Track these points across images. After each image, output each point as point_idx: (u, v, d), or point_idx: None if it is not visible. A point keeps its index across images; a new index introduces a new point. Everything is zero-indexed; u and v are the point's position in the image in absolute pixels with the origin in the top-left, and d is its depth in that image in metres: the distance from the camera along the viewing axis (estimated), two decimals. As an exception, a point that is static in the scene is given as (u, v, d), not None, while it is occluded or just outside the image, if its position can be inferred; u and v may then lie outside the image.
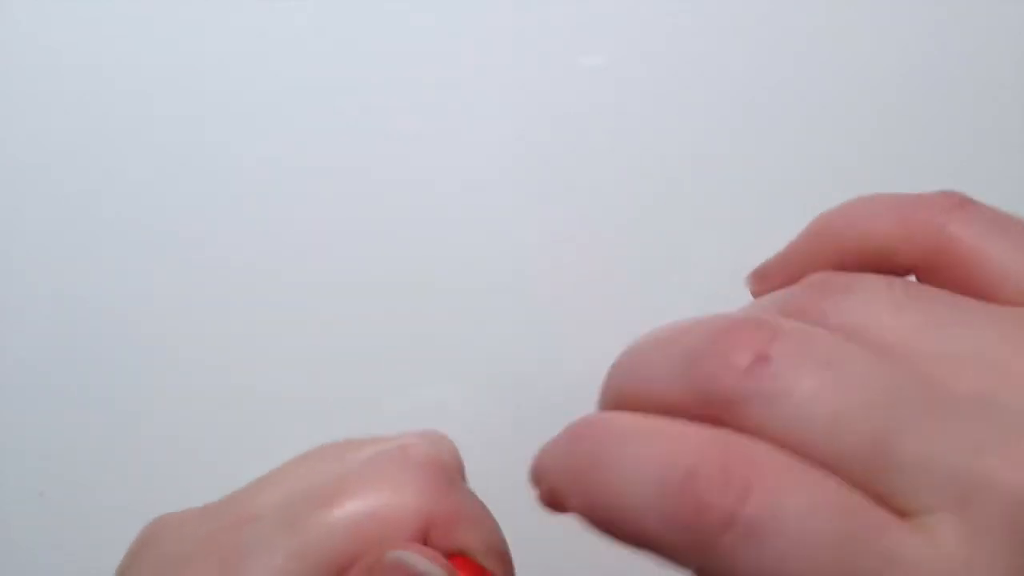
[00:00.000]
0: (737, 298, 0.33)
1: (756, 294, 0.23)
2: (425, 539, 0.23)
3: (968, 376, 0.18)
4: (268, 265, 0.34)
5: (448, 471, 0.24)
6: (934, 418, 0.17)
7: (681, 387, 0.19)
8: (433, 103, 0.34)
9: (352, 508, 0.22)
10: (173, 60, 0.34)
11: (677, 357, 0.20)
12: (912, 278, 0.21)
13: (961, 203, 0.20)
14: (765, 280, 0.24)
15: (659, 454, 0.18)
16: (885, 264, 0.21)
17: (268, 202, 0.34)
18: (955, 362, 0.18)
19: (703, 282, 0.34)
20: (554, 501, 0.20)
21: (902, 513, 0.17)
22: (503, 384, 0.33)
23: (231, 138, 0.34)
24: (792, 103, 0.33)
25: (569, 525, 0.29)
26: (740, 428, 0.18)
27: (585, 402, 0.34)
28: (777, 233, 0.33)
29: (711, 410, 0.19)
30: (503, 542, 0.25)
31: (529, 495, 0.33)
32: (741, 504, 0.17)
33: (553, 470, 0.20)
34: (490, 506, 0.34)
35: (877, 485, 0.17)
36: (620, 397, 0.21)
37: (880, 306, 0.19)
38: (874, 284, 0.20)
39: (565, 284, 0.34)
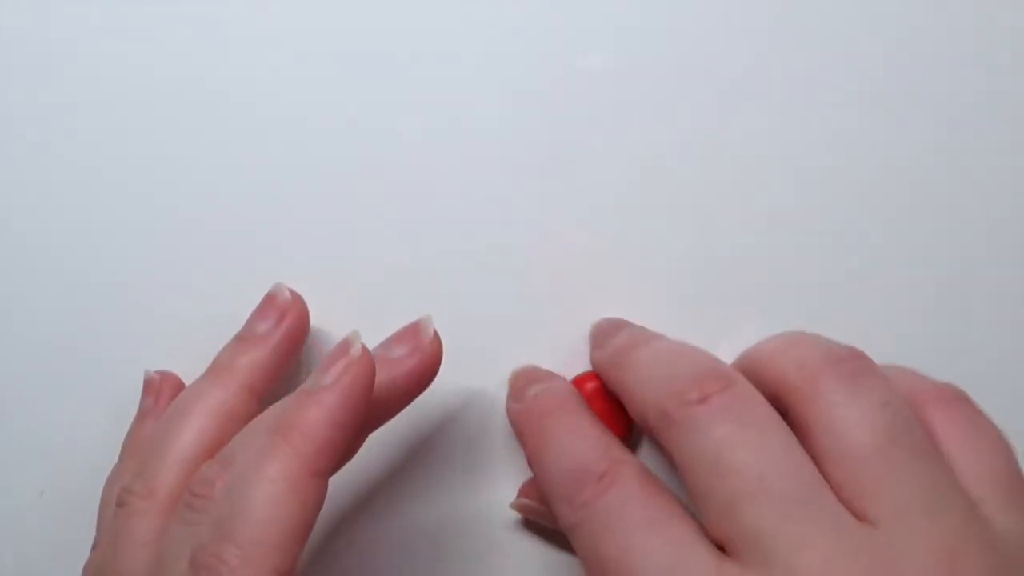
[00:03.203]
0: (737, 298, 0.33)
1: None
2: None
3: (852, 497, 0.23)
4: (268, 272, 0.34)
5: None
6: (785, 506, 0.23)
7: (655, 395, 0.26)
8: (432, 103, 0.34)
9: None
10: (172, 58, 0.34)
11: (663, 373, 0.26)
12: None
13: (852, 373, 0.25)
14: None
15: (576, 446, 0.27)
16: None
17: (268, 204, 0.34)
18: (857, 488, 0.23)
19: (703, 281, 0.33)
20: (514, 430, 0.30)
21: (728, 554, 0.23)
22: (500, 386, 0.33)
23: (229, 138, 0.34)
24: (793, 103, 0.33)
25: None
26: (669, 441, 0.25)
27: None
28: (778, 233, 0.33)
29: (661, 421, 0.25)
30: None
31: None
32: (597, 497, 0.25)
33: (516, 418, 0.29)
34: (489, 504, 0.34)
35: (720, 530, 0.23)
36: (615, 370, 0.29)
37: (852, 413, 0.24)
38: (866, 400, 0.25)
39: (565, 284, 0.34)
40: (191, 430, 0.28)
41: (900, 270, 0.34)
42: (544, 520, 0.32)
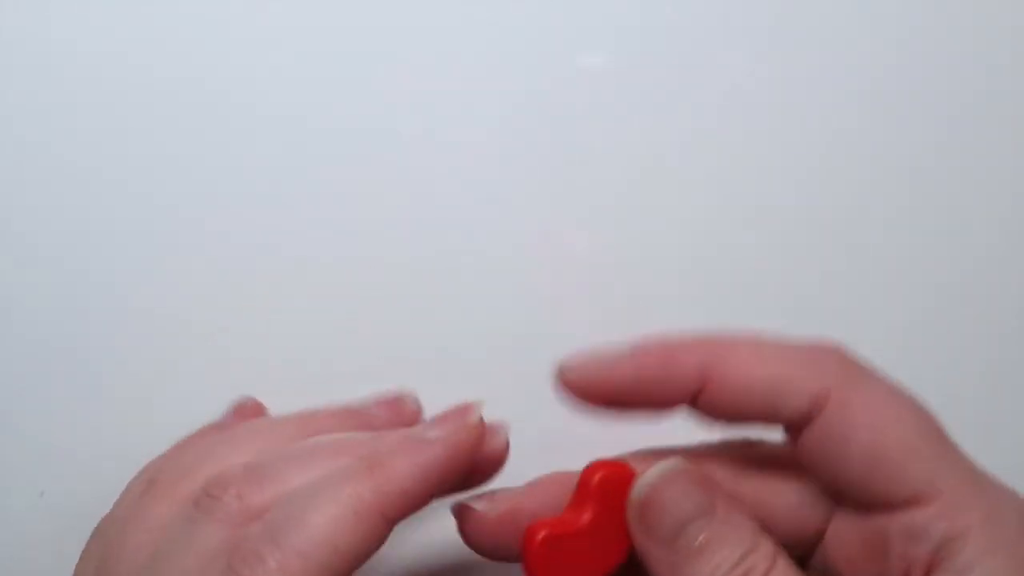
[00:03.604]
0: (736, 298, 0.33)
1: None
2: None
3: None
4: (269, 272, 0.34)
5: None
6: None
7: None
8: (431, 103, 0.34)
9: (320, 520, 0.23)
10: (171, 56, 0.34)
11: None
12: None
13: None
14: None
15: None
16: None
17: (268, 204, 0.34)
18: None
19: (703, 281, 0.33)
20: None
21: None
22: (498, 386, 0.33)
23: (229, 138, 0.34)
24: (793, 102, 0.33)
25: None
26: None
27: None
28: (778, 233, 0.33)
29: None
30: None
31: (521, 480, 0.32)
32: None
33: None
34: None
35: None
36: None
37: None
38: None
39: (564, 284, 0.34)
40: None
41: (900, 270, 0.34)
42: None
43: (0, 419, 0.34)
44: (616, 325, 0.34)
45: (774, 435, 0.26)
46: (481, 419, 0.25)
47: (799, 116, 0.33)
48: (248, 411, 0.32)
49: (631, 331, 0.34)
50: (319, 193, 0.34)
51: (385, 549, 0.25)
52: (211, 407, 0.33)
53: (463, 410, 0.26)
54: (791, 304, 0.33)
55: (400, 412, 0.29)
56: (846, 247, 0.34)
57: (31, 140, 0.34)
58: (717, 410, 0.25)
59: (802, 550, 0.26)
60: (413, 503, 0.25)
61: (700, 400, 0.25)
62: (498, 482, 0.33)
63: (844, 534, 0.25)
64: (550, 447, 0.32)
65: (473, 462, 0.26)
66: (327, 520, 0.23)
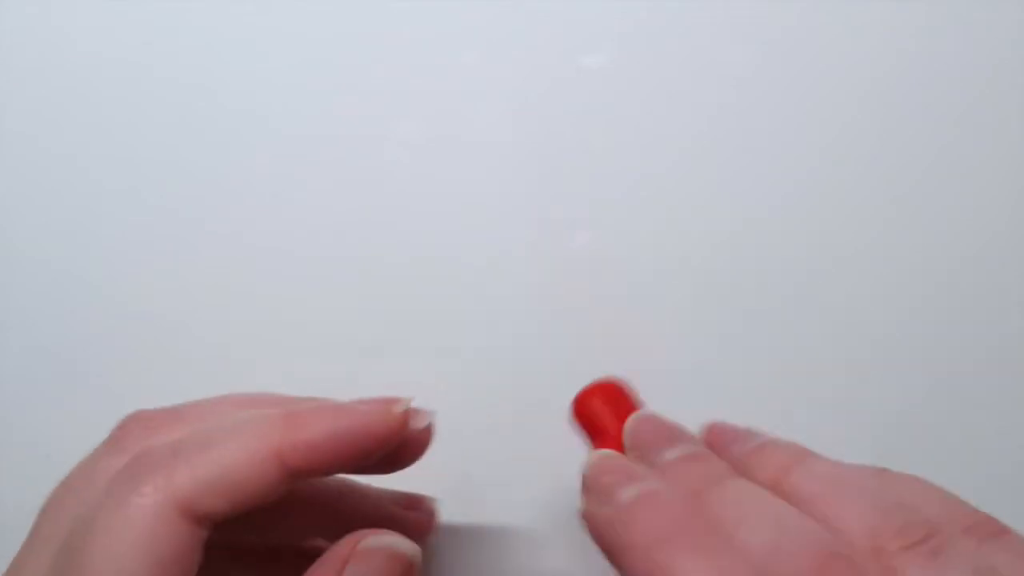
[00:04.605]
0: (737, 297, 0.33)
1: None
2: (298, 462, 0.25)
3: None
4: (269, 272, 0.34)
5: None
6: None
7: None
8: (431, 103, 0.34)
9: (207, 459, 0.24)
10: (170, 56, 0.34)
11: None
12: None
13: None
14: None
15: None
16: None
17: (268, 204, 0.34)
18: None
19: (703, 281, 0.33)
20: None
21: None
22: (498, 383, 0.33)
23: (229, 140, 0.34)
24: (794, 102, 0.33)
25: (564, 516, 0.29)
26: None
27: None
28: (779, 233, 0.33)
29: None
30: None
31: (520, 482, 0.33)
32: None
33: (603, 530, 0.25)
34: (486, 492, 0.34)
35: None
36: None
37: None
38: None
39: (564, 284, 0.34)
40: None
41: (900, 270, 0.34)
42: None
43: (0, 420, 0.34)
44: (616, 325, 0.34)
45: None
46: (406, 408, 0.26)
47: (800, 116, 0.33)
48: None
49: (631, 331, 0.34)
50: (319, 193, 0.34)
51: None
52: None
53: (392, 399, 0.26)
54: (792, 304, 0.33)
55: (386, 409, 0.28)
56: (847, 247, 0.34)
57: (31, 140, 0.34)
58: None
59: None
60: (319, 459, 0.24)
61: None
62: (503, 487, 0.33)
63: None
64: (551, 446, 0.32)
65: (391, 442, 0.26)
66: (227, 449, 0.24)
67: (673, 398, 0.32)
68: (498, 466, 0.34)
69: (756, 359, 0.33)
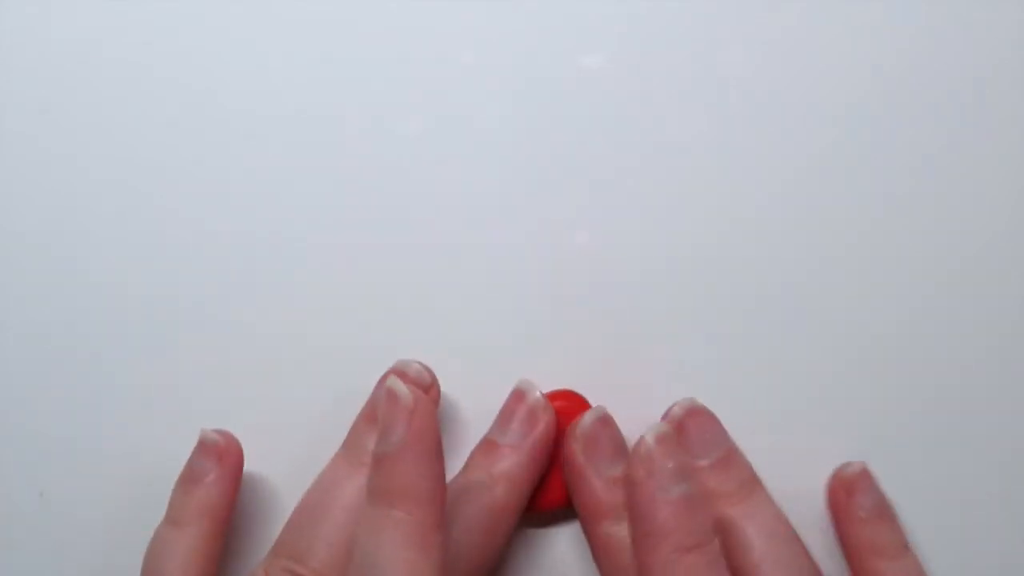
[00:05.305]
0: (737, 297, 0.33)
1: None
2: None
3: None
4: (269, 272, 0.34)
5: None
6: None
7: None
8: (430, 103, 0.34)
9: None
10: (171, 57, 0.34)
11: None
12: None
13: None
14: None
15: None
16: None
17: (268, 204, 0.34)
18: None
19: (704, 281, 0.33)
20: None
21: None
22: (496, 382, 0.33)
23: (229, 139, 0.34)
24: (794, 102, 0.33)
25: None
26: None
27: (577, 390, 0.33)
28: (779, 233, 0.33)
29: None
30: None
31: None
32: None
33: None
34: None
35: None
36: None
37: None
38: None
39: (564, 284, 0.34)
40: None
41: (900, 270, 0.34)
42: None
43: (0, 419, 0.34)
44: (616, 325, 0.34)
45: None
46: (420, 371, 0.32)
47: (799, 116, 0.33)
48: (218, 451, 0.31)
49: (630, 331, 0.34)
50: (319, 193, 0.34)
51: None
52: (211, 407, 0.33)
53: (389, 380, 0.28)
54: (792, 304, 0.33)
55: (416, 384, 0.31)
56: (847, 247, 0.34)
57: (31, 140, 0.34)
58: None
59: None
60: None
61: None
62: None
63: None
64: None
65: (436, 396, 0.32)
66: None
67: (673, 398, 0.32)
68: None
69: (756, 359, 0.33)
